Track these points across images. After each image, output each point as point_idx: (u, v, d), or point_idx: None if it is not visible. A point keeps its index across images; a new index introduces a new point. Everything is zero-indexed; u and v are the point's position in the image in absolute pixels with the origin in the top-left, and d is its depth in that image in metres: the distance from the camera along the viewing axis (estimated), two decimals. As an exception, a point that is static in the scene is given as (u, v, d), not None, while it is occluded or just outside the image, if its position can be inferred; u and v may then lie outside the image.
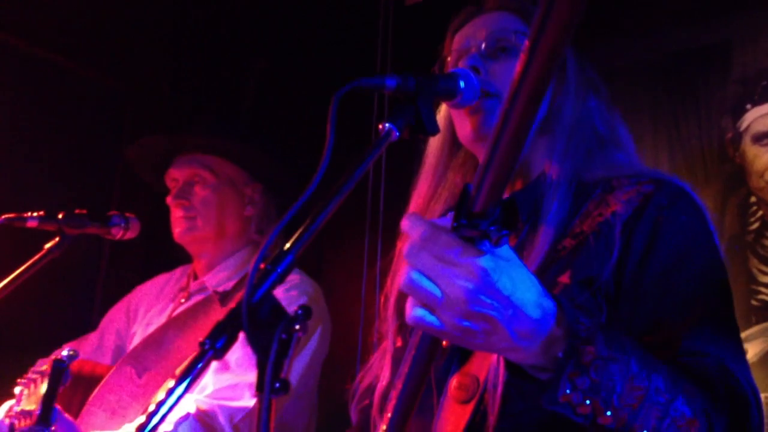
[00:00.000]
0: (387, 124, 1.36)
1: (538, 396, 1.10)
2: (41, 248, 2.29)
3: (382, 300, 1.73)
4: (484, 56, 1.59)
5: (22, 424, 1.76)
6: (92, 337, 2.87)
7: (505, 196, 1.57)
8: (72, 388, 2.12)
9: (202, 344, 1.06)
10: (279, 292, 2.65)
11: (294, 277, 2.55)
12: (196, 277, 2.74)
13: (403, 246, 1.04)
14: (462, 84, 1.50)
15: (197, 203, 2.62)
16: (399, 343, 1.60)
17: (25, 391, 1.96)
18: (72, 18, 3.57)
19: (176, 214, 2.63)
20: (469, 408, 1.33)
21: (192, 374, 1.05)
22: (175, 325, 2.53)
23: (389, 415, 1.28)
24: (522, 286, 1.04)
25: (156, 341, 2.50)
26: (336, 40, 3.58)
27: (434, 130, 1.43)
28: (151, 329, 2.65)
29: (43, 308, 3.36)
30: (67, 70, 3.75)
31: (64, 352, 1.78)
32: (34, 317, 3.33)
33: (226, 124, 2.82)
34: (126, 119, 3.82)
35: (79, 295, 3.22)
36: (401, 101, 1.42)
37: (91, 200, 2.63)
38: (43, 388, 1.78)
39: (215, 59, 3.87)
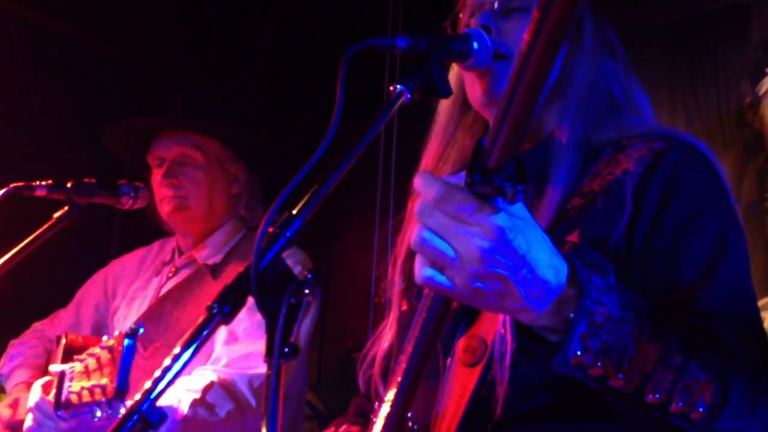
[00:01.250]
0: (398, 86, 1.33)
1: (548, 358, 1.08)
2: (50, 218, 2.28)
3: (392, 262, 1.71)
4: (497, 14, 1.55)
5: (97, 397, 1.75)
6: (65, 314, 2.87)
7: None
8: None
9: (209, 308, 1.04)
10: None
11: None
12: (181, 252, 2.76)
13: (414, 205, 1.01)
14: (475, 45, 1.46)
15: (188, 183, 2.62)
16: (404, 307, 1.58)
17: (79, 366, 1.92)
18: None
19: (165, 194, 2.62)
20: (477, 371, 1.31)
21: (199, 339, 1.03)
22: (171, 298, 2.55)
23: (399, 378, 1.26)
24: (536, 246, 1.01)
25: (156, 315, 2.53)
26: (347, 4, 3.53)
27: (446, 92, 1.39)
28: (137, 303, 2.69)
29: (54, 278, 3.36)
30: (76, 41, 3.72)
31: (131, 326, 1.78)
32: (46, 288, 3.34)
33: (216, 104, 2.82)
34: (135, 89, 3.79)
35: (92, 266, 3.22)
36: (412, 63, 1.39)
37: (102, 171, 2.61)
38: (109, 361, 1.76)
39: (224, 28, 3.82)
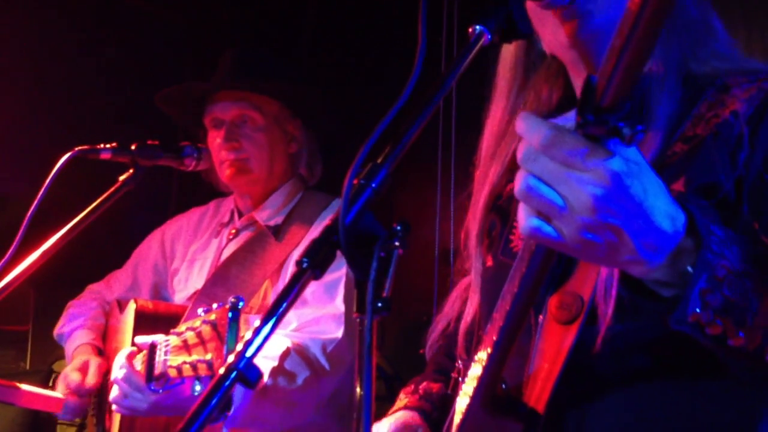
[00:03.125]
0: (478, 27, 1.25)
1: (661, 314, 1.00)
2: (114, 181, 2.26)
3: (463, 236, 1.64)
4: None
5: (201, 372, 1.72)
6: (122, 275, 2.86)
7: None
8: (153, 329, 2.11)
9: (299, 263, 1.00)
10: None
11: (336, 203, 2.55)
12: (241, 214, 2.73)
13: (519, 150, 0.94)
14: (555, -18, 1.37)
15: (249, 146, 2.57)
16: (489, 262, 1.52)
17: (175, 340, 1.88)
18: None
19: (226, 157, 2.57)
20: (573, 328, 1.24)
21: (292, 294, 0.99)
22: (236, 261, 2.53)
23: (494, 337, 1.20)
24: (652, 193, 0.93)
25: (222, 278, 2.51)
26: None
27: (528, 31, 1.32)
28: (198, 265, 2.67)
29: (112, 242, 3.38)
30: (132, 6, 3.70)
31: (232, 299, 1.74)
32: (104, 251, 3.36)
33: (272, 61, 2.75)
34: (186, 51, 3.76)
35: (151, 228, 3.22)
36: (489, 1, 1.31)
37: (155, 135, 2.60)
38: (213, 336, 1.72)
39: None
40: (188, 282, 2.68)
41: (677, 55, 1.34)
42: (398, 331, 3.50)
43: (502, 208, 1.56)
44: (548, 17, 1.42)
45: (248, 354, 0.93)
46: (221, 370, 0.91)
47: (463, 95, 3.15)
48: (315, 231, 2.51)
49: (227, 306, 1.67)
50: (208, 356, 1.70)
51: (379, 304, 1.01)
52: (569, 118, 0.92)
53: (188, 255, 2.76)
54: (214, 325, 1.70)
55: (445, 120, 3.19)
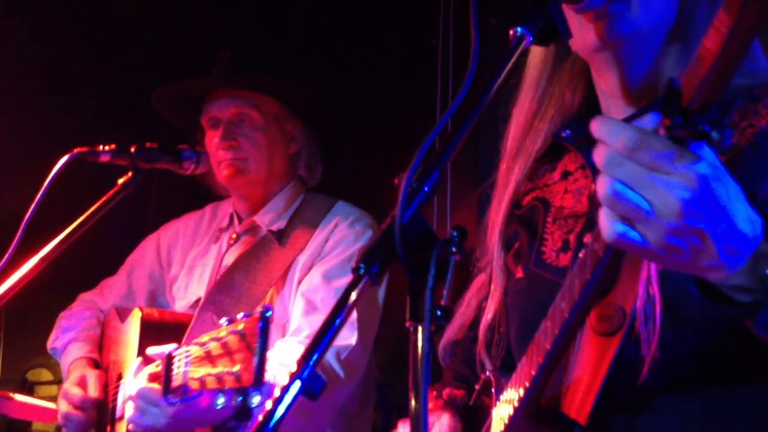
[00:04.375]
0: (519, 29, 1.22)
1: (742, 319, 0.99)
2: (113, 184, 2.19)
3: (487, 229, 1.61)
4: None
5: (228, 385, 1.61)
6: (116, 283, 2.76)
7: (625, 116, 1.44)
8: (159, 339, 2.04)
9: (356, 269, 0.96)
10: (342, 228, 2.56)
11: (351, 211, 2.49)
12: (240, 218, 2.64)
13: (597, 155, 0.91)
14: (590, -16, 1.35)
15: (247, 145, 2.48)
16: (520, 274, 1.49)
17: (197, 351, 1.76)
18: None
19: (224, 156, 2.47)
20: (616, 340, 1.21)
21: (348, 303, 0.95)
22: (240, 268, 2.45)
23: (547, 346, 1.17)
24: (735, 197, 0.92)
25: (226, 286, 2.43)
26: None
27: (567, 34, 1.29)
28: (198, 271, 2.59)
29: (92, 248, 3.29)
30: (111, 8, 3.62)
31: (259, 309, 1.64)
32: (83, 257, 3.28)
33: (270, 59, 2.68)
34: (175, 52, 3.69)
35: (130, 233, 3.14)
36: (528, 3, 1.28)
37: (144, 136, 2.54)
38: (241, 347, 1.62)
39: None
40: (188, 289, 2.60)
41: None
42: (389, 340, 3.46)
43: (526, 218, 1.54)
44: (579, 18, 1.40)
45: (311, 363, 0.88)
46: (284, 379, 0.87)
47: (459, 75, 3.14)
48: (320, 235, 2.45)
49: (256, 315, 1.60)
50: (236, 368, 1.61)
51: (438, 313, 0.97)
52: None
53: (187, 261, 2.67)
54: (242, 335, 1.62)
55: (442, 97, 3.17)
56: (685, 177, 0.87)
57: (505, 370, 1.48)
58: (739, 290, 0.99)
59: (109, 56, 3.57)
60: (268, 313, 1.60)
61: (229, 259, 2.54)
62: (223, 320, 1.69)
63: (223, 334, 1.67)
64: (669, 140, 0.88)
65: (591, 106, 1.54)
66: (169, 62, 3.70)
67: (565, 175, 1.52)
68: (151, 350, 2.02)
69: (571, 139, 1.51)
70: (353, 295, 0.96)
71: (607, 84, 1.48)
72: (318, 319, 2.21)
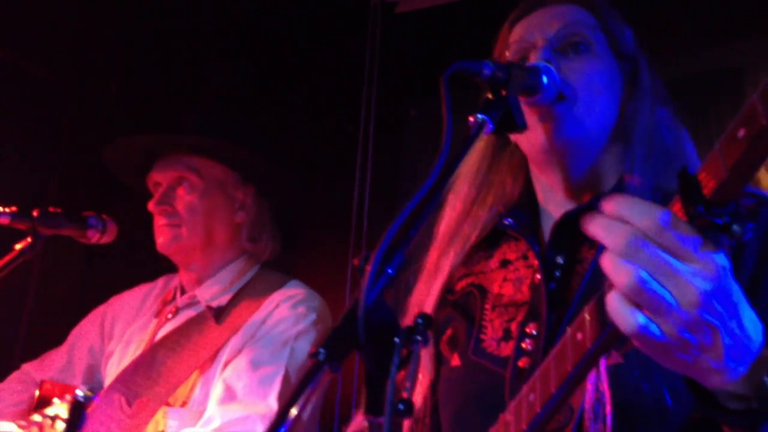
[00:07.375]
0: (480, 116, 1.22)
1: (733, 427, 0.95)
2: (8, 246, 2.03)
3: (410, 311, 1.55)
4: (555, 51, 1.46)
5: None
6: (56, 356, 2.53)
7: (566, 210, 1.44)
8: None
9: (314, 354, 0.88)
10: (284, 309, 2.39)
11: (299, 291, 2.30)
12: (183, 291, 2.44)
13: (617, 236, 0.87)
14: (545, 80, 1.37)
15: (182, 210, 2.31)
16: (456, 362, 1.43)
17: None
18: (21, 14, 3.28)
19: (159, 222, 2.33)
20: None
21: (306, 390, 0.87)
22: (165, 345, 2.25)
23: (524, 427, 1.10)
24: (741, 296, 0.90)
25: (146, 364, 2.22)
26: (325, 46, 3.41)
27: (523, 124, 1.29)
28: (133, 347, 2.38)
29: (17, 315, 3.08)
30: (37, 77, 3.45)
31: (80, 392, 1.50)
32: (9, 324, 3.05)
33: (214, 122, 2.51)
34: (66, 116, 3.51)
35: (56, 303, 2.92)
36: (491, 94, 1.29)
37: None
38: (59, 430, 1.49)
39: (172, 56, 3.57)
40: (119, 366, 2.34)
41: (652, 176, 1.39)
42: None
43: (460, 304, 1.50)
44: (532, 118, 1.41)
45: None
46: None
47: (378, 161, 3.14)
48: (260, 314, 2.24)
49: (69, 399, 1.48)
50: None
51: (401, 406, 0.90)
52: None
53: (125, 335, 2.44)
54: (55, 418, 1.50)
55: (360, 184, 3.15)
56: (708, 266, 0.85)
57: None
58: (734, 398, 0.95)
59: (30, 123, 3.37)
60: (92, 398, 1.48)
61: (162, 334, 2.33)
62: (55, 399, 1.58)
63: (38, 419, 1.56)
64: (693, 227, 0.85)
65: (531, 196, 1.55)
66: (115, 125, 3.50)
67: (504, 263, 1.50)
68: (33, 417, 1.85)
69: (514, 227, 1.50)
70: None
71: (548, 179, 1.49)
72: (234, 410, 2.02)
